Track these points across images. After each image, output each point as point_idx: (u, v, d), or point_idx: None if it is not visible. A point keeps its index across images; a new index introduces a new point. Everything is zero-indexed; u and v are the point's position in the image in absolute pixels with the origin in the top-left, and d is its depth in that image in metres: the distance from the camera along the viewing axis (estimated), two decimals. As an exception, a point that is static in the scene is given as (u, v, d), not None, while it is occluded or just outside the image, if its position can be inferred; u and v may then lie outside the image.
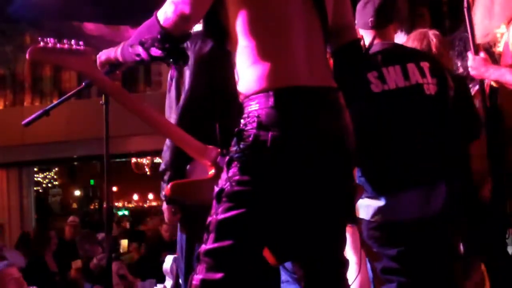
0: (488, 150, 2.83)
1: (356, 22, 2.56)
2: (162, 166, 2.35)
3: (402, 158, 2.45)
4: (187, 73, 2.28)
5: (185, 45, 2.27)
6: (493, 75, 2.72)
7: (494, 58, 2.93)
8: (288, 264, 2.39)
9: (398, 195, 2.43)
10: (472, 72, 2.79)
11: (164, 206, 2.42)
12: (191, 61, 2.24)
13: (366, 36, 2.59)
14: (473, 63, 2.76)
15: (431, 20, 6.83)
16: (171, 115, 2.33)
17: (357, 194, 1.97)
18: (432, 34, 3.10)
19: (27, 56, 1.87)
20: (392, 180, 2.45)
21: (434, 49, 3.02)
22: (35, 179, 12.24)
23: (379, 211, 2.44)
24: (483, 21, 2.93)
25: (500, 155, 2.81)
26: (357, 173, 2.49)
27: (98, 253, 6.03)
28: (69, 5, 6.87)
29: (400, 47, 2.71)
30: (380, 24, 2.57)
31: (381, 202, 2.43)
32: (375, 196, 2.44)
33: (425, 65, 2.54)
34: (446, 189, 2.52)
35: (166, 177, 2.31)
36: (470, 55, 2.80)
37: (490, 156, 2.82)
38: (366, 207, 2.47)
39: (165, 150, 2.33)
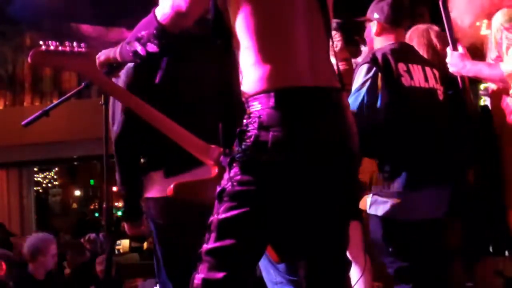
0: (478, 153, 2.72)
1: (370, 15, 2.59)
2: None
3: (422, 156, 2.45)
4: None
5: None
6: (471, 71, 2.52)
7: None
8: (281, 265, 2.39)
9: (417, 194, 2.42)
10: (451, 69, 2.59)
11: None
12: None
13: (376, 30, 2.60)
14: (451, 59, 2.56)
15: (430, 20, 6.83)
16: None
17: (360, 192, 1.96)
18: (433, 32, 2.94)
19: (28, 59, 1.87)
20: (412, 178, 2.42)
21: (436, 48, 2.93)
22: (35, 179, 12.25)
23: (397, 209, 2.41)
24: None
25: (494, 159, 2.68)
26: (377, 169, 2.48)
27: (86, 259, 5.99)
28: (68, 7, 6.87)
29: (417, 51, 2.70)
30: (395, 21, 2.57)
31: (399, 200, 2.41)
32: (393, 194, 2.42)
33: (436, 72, 2.57)
34: (457, 188, 2.53)
35: None
36: (448, 50, 2.60)
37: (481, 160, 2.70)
38: (382, 205, 2.44)
39: None
